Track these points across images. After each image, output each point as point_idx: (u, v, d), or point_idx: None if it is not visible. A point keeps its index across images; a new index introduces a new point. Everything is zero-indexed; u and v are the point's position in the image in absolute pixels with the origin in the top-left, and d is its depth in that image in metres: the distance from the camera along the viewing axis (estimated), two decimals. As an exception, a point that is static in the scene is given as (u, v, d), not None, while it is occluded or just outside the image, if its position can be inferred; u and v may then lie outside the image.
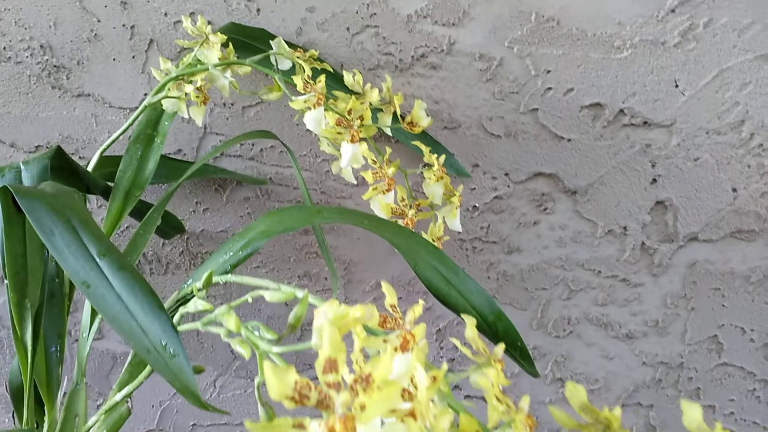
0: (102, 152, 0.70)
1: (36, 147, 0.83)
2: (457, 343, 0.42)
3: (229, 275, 0.51)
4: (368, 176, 0.66)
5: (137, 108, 0.82)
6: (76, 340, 0.96)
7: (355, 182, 0.71)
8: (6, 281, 0.57)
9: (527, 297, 0.94)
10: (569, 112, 0.83)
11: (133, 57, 0.80)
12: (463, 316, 0.40)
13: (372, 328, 0.40)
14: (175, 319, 0.47)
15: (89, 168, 0.72)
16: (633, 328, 0.97)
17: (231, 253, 0.57)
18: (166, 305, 0.57)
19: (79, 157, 0.84)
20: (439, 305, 0.94)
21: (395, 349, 0.36)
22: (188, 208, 0.87)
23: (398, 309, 0.40)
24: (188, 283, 0.59)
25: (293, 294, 0.39)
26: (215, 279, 0.52)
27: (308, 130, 0.82)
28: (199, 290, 0.46)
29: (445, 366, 0.37)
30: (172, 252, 0.90)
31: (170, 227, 0.84)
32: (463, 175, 0.84)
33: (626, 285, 0.94)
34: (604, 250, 0.91)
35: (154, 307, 0.46)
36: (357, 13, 0.78)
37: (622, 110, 0.82)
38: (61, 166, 0.65)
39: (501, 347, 0.39)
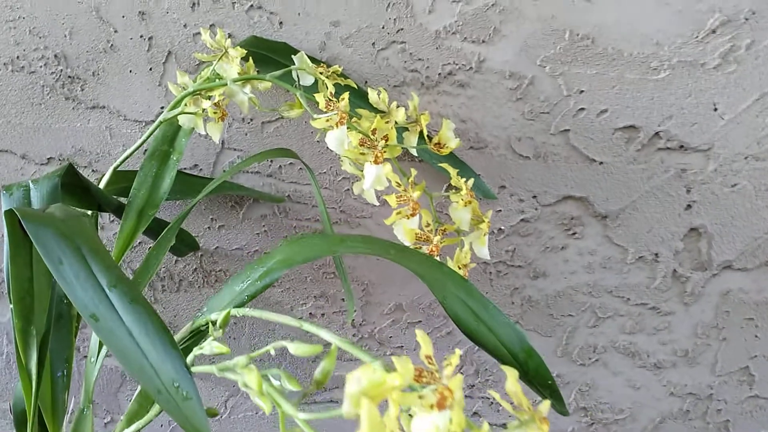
0: (116, 168, 0.68)
1: (48, 159, 0.81)
2: (497, 396, 0.38)
3: (247, 308, 0.48)
4: (392, 200, 0.63)
5: (153, 122, 0.79)
6: (85, 356, 0.93)
7: (378, 203, 0.68)
8: (11, 306, 0.54)
9: (552, 324, 0.91)
10: (602, 134, 0.79)
11: (150, 69, 0.77)
12: (504, 368, 0.37)
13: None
14: (189, 359, 0.44)
15: (102, 184, 0.69)
16: (661, 358, 0.93)
17: (248, 282, 0.54)
18: (178, 336, 0.54)
19: (92, 171, 0.82)
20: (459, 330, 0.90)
21: (431, 407, 0.32)
22: (203, 225, 0.84)
23: (434, 360, 0.36)
24: (203, 312, 0.56)
25: (320, 348, 0.36)
26: (231, 313, 0.49)
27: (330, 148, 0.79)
28: (215, 328, 0.43)
29: (486, 428, 0.33)
30: (185, 269, 0.87)
31: (184, 244, 0.81)
32: (489, 197, 0.81)
33: (656, 313, 0.90)
34: (634, 277, 0.87)
35: (166, 344, 0.43)
36: (383, 28, 0.75)
37: (657, 133, 0.79)
38: (72, 183, 0.62)
39: (546, 406, 0.36)
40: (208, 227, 0.84)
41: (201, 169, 0.81)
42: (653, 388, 0.95)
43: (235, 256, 0.86)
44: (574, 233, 0.85)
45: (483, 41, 0.75)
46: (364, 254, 0.53)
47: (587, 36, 0.75)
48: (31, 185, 0.58)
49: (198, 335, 0.55)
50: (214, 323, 0.50)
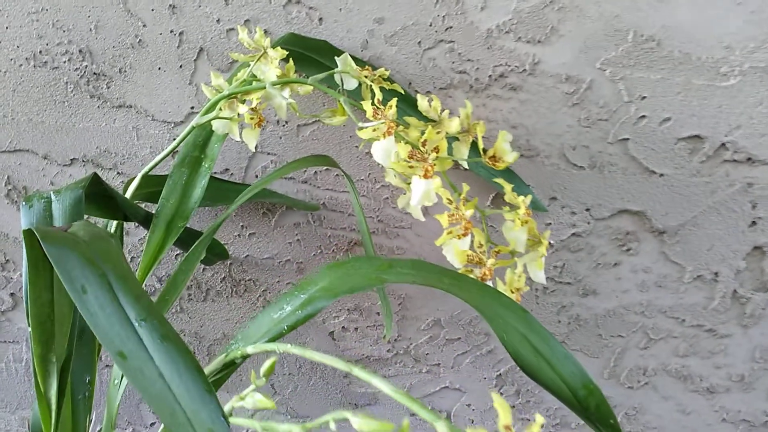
0: (144, 175, 0.63)
1: (71, 160, 0.76)
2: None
3: (289, 345, 0.43)
4: (443, 219, 0.58)
5: (182, 122, 0.74)
6: (107, 365, 0.89)
7: (423, 219, 0.62)
8: (29, 330, 0.50)
9: (600, 344, 0.85)
10: (664, 143, 0.73)
11: (181, 67, 0.72)
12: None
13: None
14: (227, 408, 0.39)
15: (129, 191, 0.64)
16: (715, 382, 0.87)
17: (288, 310, 0.49)
18: (209, 368, 0.50)
19: (118, 173, 0.77)
20: (501, 347, 0.85)
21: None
22: (233, 232, 0.80)
23: (512, 429, 0.31)
24: (236, 340, 0.51)
25: (390, 427, 0.30)
26: (269, 347, 0.44)
27: (368, 152, 0.74)
28: (258, 377, 0.38)
29: None
30: (213, 278, 0.82)
31: (213, 253, 0.77)
32: (539, 209, 0.75)
33: (712, 335, 0.84)
34: (691, 296, 0.81)
35: (201, 389, 0.38)
36: (431, 25, 0.69)
37: (723, 144, 0.72)
38: (96, 192, 0.57)
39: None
40: (238, 235, 0.80)
41: (232, 174, 0.77)
42: (705, 414, 0.89)
43: (266, 265, 0.81)
44: (628, 249, 0.79)
45: (539, 41, 0.69)
46: (416, 284, 0.48)
47: (653, 37, 0.69)
48: (52, 196, 0.53)
49: (232, 366, 0.50)
50: (247, 357, 0.45)
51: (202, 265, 0.81)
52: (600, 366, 0.86)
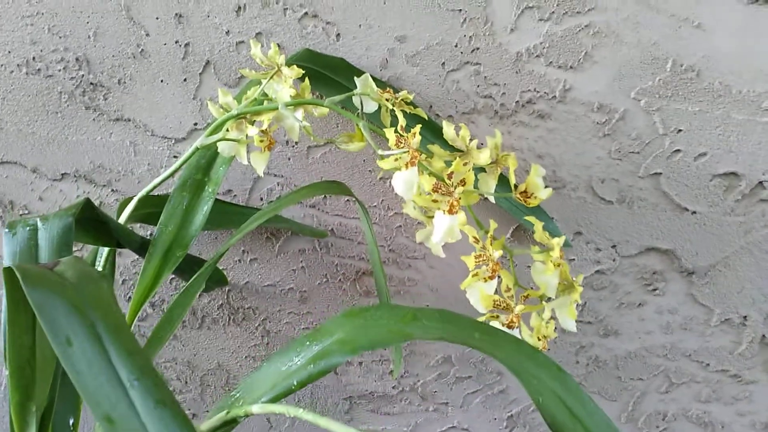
0: (140, 200, 0.58)
1: (62, 175, 0.71)
2: None
3: (301, 410, 0.38)
4: (470, 262, 0.53)
5: (184, 139, 0.69)
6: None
7: (443, 256, 0.57)
8: (6, 372, 0.44)
9: (619, 387, 0.80)
10: (698, 180, 0.68)
11: (185, 80, 0.67)
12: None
13: None
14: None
15: (125, 214, 0.59)
16: (738, 430, 0.82)
17: (299, 362, 0.43)
18: (208, 425, 0.44)
19: (112, 190, 0.72)
20: (514, 387, 0.80)
21: None
22: (233, 257, 0.74)
23: None
24: (238, 392, 0.45)
25: None
26: (277, 410, 0.39)
27: (383, 178, 0.69)
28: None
29: None
30: (210, 304, 0.77)
31: (211, 280, 0.71)
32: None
33: (737, 381, 0.79)
34: (717, 340, 0.77)
35: (200, 466, 0.33)
36: (456, 46, 0.64)
37: (761, 183, 0.68)
38: (87, 217, 0.52)
39: None
40: (239, 260, 0.74)
41: (236, 195, 0.71)
42: (725, 462, 0.84)
43: (267, 293, 0.76)
44: (654, 289, 0.74)
45: (571, 67, 0.64)
46: (444, 340, 0.42)
47: (692, 67, 0.64)
48: (39, 224, 0.48)
49: (233, 424, 0.45)
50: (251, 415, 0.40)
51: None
52: (618, 409, 0.81)
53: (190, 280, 0.55)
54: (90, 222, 0.53)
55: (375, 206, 0.71)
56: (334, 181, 0.62)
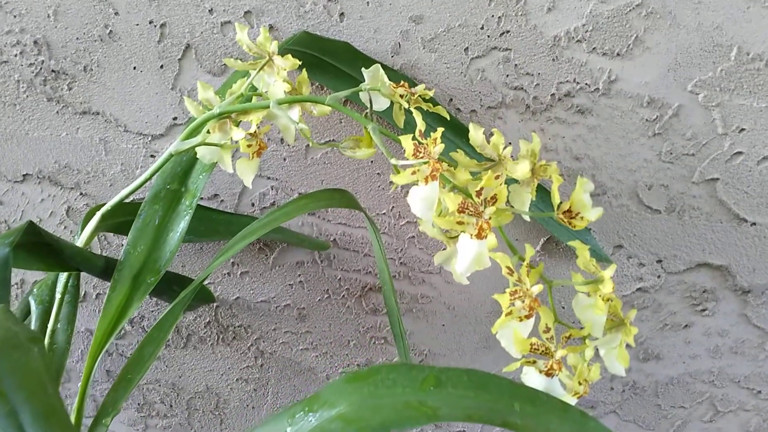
0: (111, 208, 0.48)
1: (23, 176, 0.62)
2: None
3: None
4: (503, 300, 0.43)
5: (162, 135, 0.60)
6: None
7: (468, 283, 0.48)
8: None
9: (658, 415, 0.71)
10: (761, 187, 0.59)
11: (162, 67, 0.57)
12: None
13: None
14: None
15: (88, 229, 0.50)
16: (787, 461, 0.74)
17: (291, 437, 0.34)
18: None
19: (81, 194, 0.62)
20: None
21: None
22: (221, 270, 0.65)
23: None
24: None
25: None
26: None
27: (392, 181, 0.59)
28: None
29: None
30: (196, 322, 0.68)
31: (195, 298, 0.62)
32: (600, 259, 0.61)
33: (790, 409, 0.70)
34: (772, 365, 0.68)
35: None
36: (482, 28, 0.54)
37: (835, 189, 0.58)
38: (33, 242, 0.42)
39: None
40: (228, 273, 0.65)
41: (222, 201, 0.62)
42: (772, 495, 0.76)
43: (260, 310, 0.67)
44: (703, 309, 0.65)
45: (617, 54, 0.54)
46: (474, 421, 0.33)
47: (760, 56, 0.54)
48: (-33, 256, 0.38)
49: None
50: None
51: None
52: (655, 439, 0.73)
53: (167, 310, 0.46)
54: (37, 247, 0.43)
55: (384, 214, 0.62)
56: (338, 190, 0.52)
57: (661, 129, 0.57)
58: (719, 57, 0.54)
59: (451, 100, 0.57)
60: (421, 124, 0.43)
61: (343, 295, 0.66)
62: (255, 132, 0.46)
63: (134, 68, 0.57)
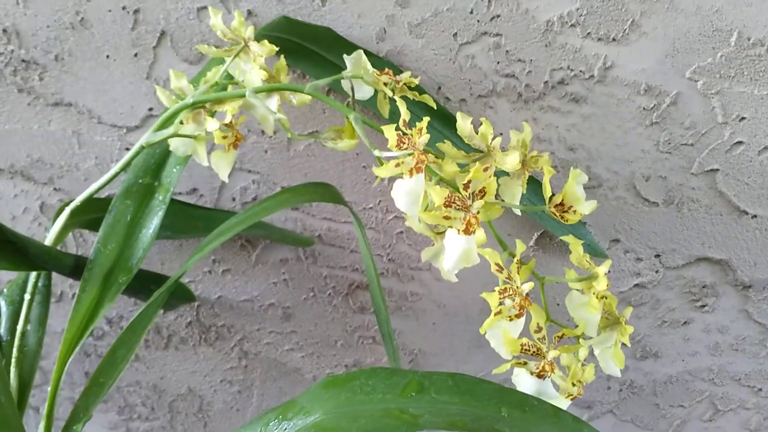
0: (73, 213, 0.46)
1: (-6, 171, 0.59)
2: None
3: None
4: (492, 299, 0.41)
5: (138, 127, 0.57)
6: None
7: (456, 281, 0.46)
8: None
9: (656, 415, 0.69)
10: (762, 178, 0.56)
11: (136, 55, 0.54)
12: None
13: None
14: None
15: (57, 225, 0.47)
16: (789, 460, 0.72)
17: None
18: None
19: (54, 189, 0.60)
20: None
21: None
22: (202, 268, 0.62)
23: None
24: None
25: None
26: None
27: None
28: None
29: None
30: (177, 322, 0.65)
31: (173, 297, 0.60)
32: (596, 254, 0.58)
33: (792, 407, 0.68)
34: (773, 362, 0.66)
35: None
36: (471, 13, 0.51)
37: (839, 180, 0.56)
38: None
39: None
40: (209, 271, 0.63)
41: (202, 195, 0.59)
42: (773, 495, 0.74)
43: (244, 309, 0.64)
44: (703, 305, 0.62)
45: (613, 39, 0.52)
46: (459, 429, 0.31)
47: (762, 41, 0.52)
48: None
49: None
50: None
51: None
52: (653, 439, 0.70)
53: (139, 312, 0.44)
54: (1, 245, 0.41)
55: (371, 208, 0.59)
56: (321, 184, 0.50)
57: (658, 118, 0.54)
58: (719, 42, 0.52)
59: (440, 88, 0.54)
60: (405, 114, 0.41)
61: (330, 294, 0.63)
62: (230, 122, 0.44)
63: (107, 57, 0.55)
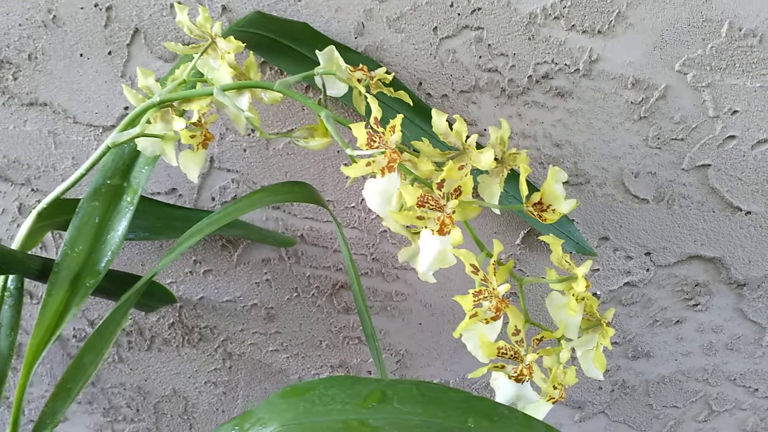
0: (41, 215, 0.45)
1: (-31, 172, 0.58)
2: None
3: None
4: (465, 302, 0.40)
5: (114, 126, 0.56)
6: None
7: (434, 281, 0.44)
8: None
9: (649, 416, 0.67)
10: (755, 173, 0.55)
11: (110, 53, 0.53)
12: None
13: None
14: None
15: (24, 228, 0.46)
16: (787, 461, 0.70)
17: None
18: None
19: (32, 190, 0.59)
20: None
21: None
22: (183, 269, 0.61)
23: None
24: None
25: None
26: None
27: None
28: None
29: None
30: (160, 323, 0.64)
31: (153, 298, 0.59)
32: (584, 252, 0.57)
33: (790, 407, 0.67)
34: (769, 362, 0.64)
35: None
36: (452, 6, 0.50)
37: (835, 175, 0.54)
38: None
39: None
40: (190, 272, 0.61)
41: (181, 195, 0.58)
42: (771, 496, 0.72)
43: (226, 310, 0.63)
44: (696, 304, 0.61)
45: (599, 32, 0.50)
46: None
47: (754, 32, 0.50)
48: None
49: None
50: None
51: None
52: (647, 440, 0.69)
53: (108, 314, 0.43)
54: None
55: (353, 207, 0.58)
56: (297, 183, 0.49)
57: (647, 112, 0.53)
58: (709, 33, 0.50)
59: (421, 84, 0.53)
60: (376, 111, 0.39)
61: (313, 294, 0.62)
62: (199, 121, 0.43)
63: (81, 55, 0.53)
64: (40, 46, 0.53)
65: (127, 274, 0.55)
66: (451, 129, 0.41)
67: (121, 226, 0.44)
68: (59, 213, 0.49)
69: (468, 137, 0.41)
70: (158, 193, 0.58)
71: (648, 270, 0.59)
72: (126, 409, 0.69)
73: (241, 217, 0.58)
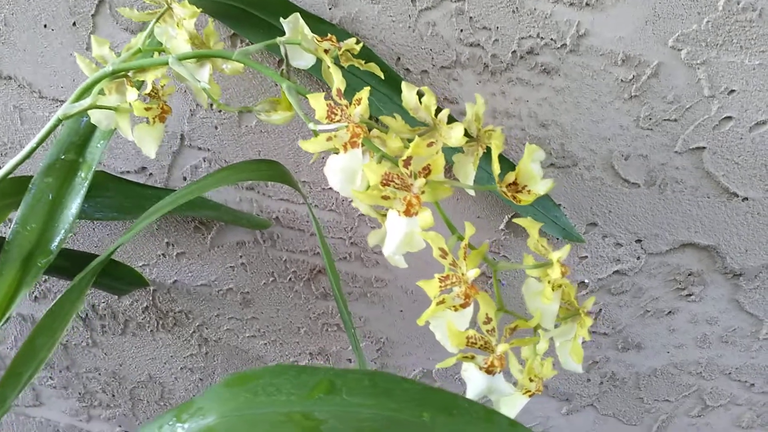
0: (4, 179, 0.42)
1: (-66, 148, 0.56)
2: None
3: None
4: (431, 287, 0.37)
5: (81, 101, 0.53)
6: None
7: (405, 266, 0.42)
8: None
9: (640, 409, 0.65)
10: (753, 157, 0.52)
11: (74, 24, 0.51)
12: None
13: None
14: None
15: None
16: (784, 458, 0.67)
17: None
18: None
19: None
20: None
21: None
22: (155, 251, 0.59)
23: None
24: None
25: None
26: None
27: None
28: None
29: None
30: (133, 307, 0.62)
31: (123, 281, 0.57)
32: (571, 238, 0.54)
33: (787, 403, 0.64)
34: (766, 356, 0.61)
35: None
36: (431, -25, 0.47)
37: (838, 160, 0.51)
38: None
39: None
40: (162, 254, 0.59)
41: (151, 174, 0.56)
42: (767, 494, 0.70)
43: (201, 294, 0.61)
44: (689, 294, 0.58)
45: (587, 4, 0.47)
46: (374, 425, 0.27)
47: (753, 5, 0.47)
48: None
49: None
50: None
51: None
52: (637, 435, 0.67)
53: (62, 294, 0.41)
54: None
55: (330, 189, 0.56)
56: (265, 161, 0.46)
57: (638, 91, 0.50)
58: (705, 7, 0.47)
59: (399, 59, 0.50)
60: (339, 82, 0.37)
61: (290, 279, 0.60)
62: (156, 93, 0.40)
63: (45, 26, 0.51)
64: (3, 17, 0.51)
65: (87, 254, 0.53)
66: (421, 103, 0.38)
67: (75, 203, 0.42)
68: (10, 193, 0.47)
69: (439, 112, 0.38)
70: (127, 171, 0.56)
71: (639, 258, 0.57)
72: (101, 395, 0.67)
73: (215, 198, 0.56)
